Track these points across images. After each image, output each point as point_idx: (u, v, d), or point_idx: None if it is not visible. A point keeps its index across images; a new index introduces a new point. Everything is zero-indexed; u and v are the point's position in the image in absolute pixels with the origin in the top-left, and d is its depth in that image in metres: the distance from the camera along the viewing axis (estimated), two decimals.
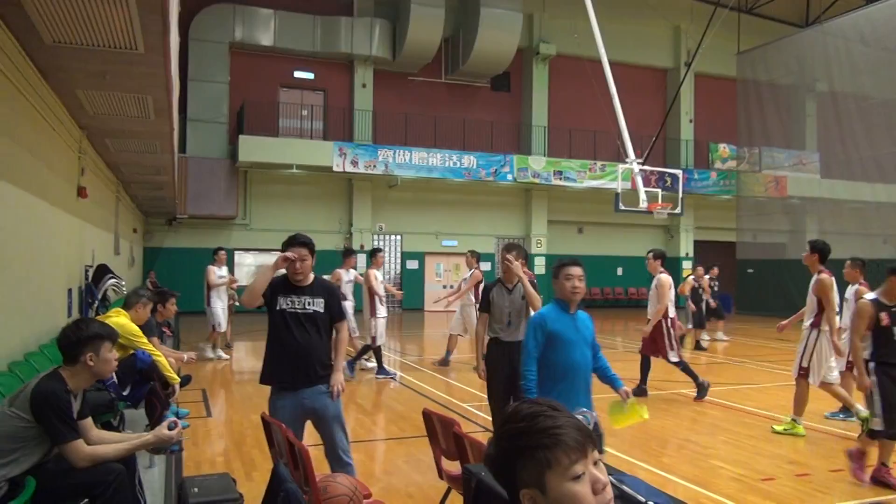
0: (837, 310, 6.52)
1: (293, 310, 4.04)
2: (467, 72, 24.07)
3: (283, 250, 4.03)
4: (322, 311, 4.09)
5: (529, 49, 24.94)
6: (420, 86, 24.53)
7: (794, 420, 6.55)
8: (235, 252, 22.59)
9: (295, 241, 4.03)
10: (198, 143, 21.74)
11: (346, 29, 22.67)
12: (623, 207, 18.39)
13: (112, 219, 12.65)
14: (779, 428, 6.62)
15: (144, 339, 5.91)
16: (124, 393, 5.57)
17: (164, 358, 6.04)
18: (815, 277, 6.44)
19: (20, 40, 4.77)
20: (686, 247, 27.24)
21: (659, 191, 19.84)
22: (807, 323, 6.49)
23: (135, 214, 18.95)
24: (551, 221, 26.02)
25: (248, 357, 13.77)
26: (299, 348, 3.98)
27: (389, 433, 6.72)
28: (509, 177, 23.51)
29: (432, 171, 22.71)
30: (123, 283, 9.40)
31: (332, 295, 4.17)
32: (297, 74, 22.93)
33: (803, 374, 6.48)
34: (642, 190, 18.34)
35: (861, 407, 5.57)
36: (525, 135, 25.71)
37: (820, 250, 6.47)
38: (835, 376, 6.53)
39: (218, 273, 11.34)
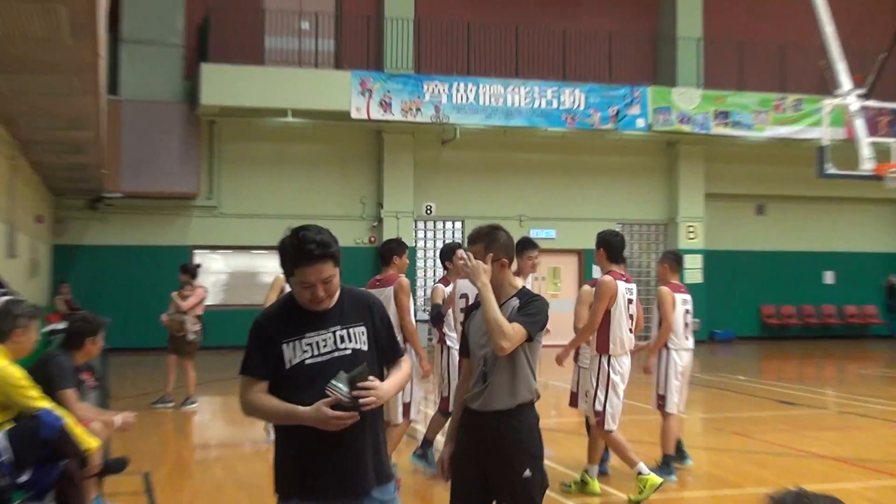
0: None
1: (315, 358, 4.04)
2: None
3: (288, 269, 3.99)
4: (365, 346, 4.11)
5: None
6: None
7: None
8: (195, 251, 23.29)
9: (306, 254, 3.93)
10: (137, 80, 22.16)
11: None
12: (832, 170, 18.11)
13: (3, 200, 12.95)
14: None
15: (33, 391, 6.01)
16: (23, 478, 5.67)
17: (74, 419, 6.15)
18: (598, 279, 8.42)
19: None
20: None
21: (893, 141, 19.42)
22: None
23: (40, 193, 19.42)
24: (712, 195, 26.08)
25: (215, 418, 14.02)
26: (337, 431, 3.92)
27: None
28: (640, 123, 23.51)
29: (512, 115, 22.82)
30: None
31: (375, 311, 4.21)
32: None
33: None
34: (865, 140, 18.05)
35: None
36: (666, 54, 25.59)
37: (607, 244, 8.33)
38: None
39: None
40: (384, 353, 4.17)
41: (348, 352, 4.03)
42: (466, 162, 24.68)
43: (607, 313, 8.23)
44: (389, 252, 9.10)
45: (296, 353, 3.99)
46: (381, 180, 24.24)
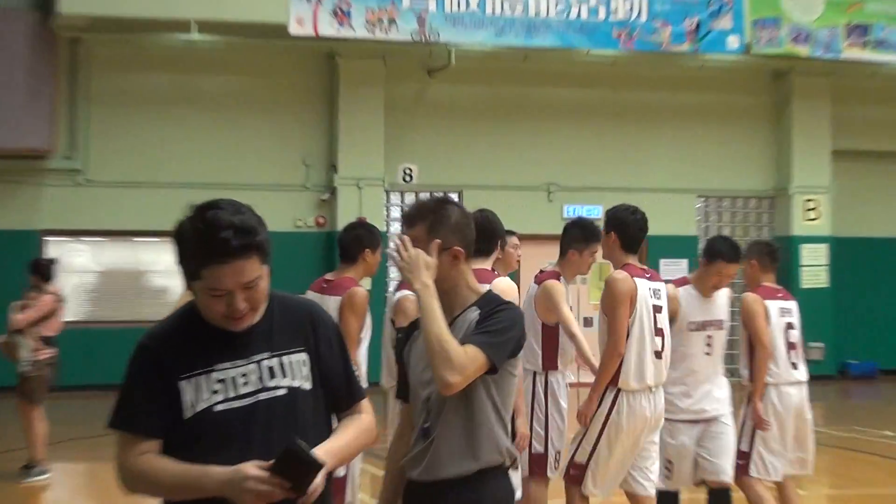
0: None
1: (230, 403, 4.03)
2: None
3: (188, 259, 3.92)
4: (307, 384, 4.15)
5: None
6: None
7: None
8: (48, 238, 23.47)
9: (219, 247, 3.86)
10: None
11: None
12: None
13: None
14: None
15: None
16: None
17: None
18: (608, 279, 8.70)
19: None
20: None
21: None
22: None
23: None
24: (843, 154, 26.29)
25: (77, 496, 14.13)
26: None
27: None
28: (732, 43, 23.56)
29: (536, 31, 22.85)
30: None
31: (322, 330, 4.26)
32: None
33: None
34: None
35: None
36: None
37: (620, 225, 8.66)
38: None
39: None
40: (337, 395, 4.22)
41: (281, 392, 4.05)
42: (465, 102, 24.86)
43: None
44: (357, 242, 9.06)
45: (200, 393, 3.99)
46: (334, 130, 24.41)
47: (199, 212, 3.87)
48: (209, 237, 3.79)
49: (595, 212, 24.29)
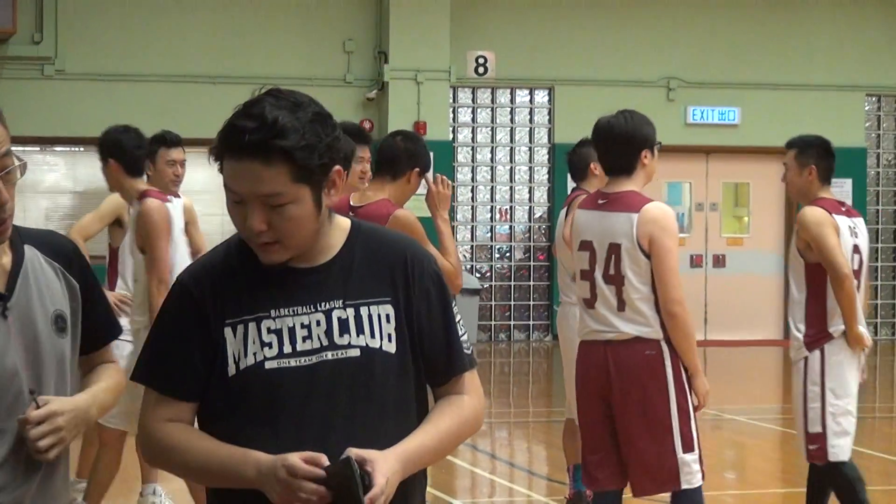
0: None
1: (284, 360, 3.79)
2: None
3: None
4: (390, 345, 3.87)
5: None
6: None
7: None
8: (16, 148, 22.20)
9: (230, 136, 3.68)
10: None
11: None
12: None
13: None
14: None
15: None
16: None
17: None
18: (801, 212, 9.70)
19: None
20: None
21: None
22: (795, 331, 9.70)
23: None
24: None
25: None
26: None
27: None
28: None
29: None
30: None
31: (416, 275, 4.00)
32: None
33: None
34: None
35: None
36: None
37: (822, 150, 9.41)
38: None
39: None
40: (432, 366, 3.90)
41: (353, 353, 3.86)
42: None
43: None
44: (404, 156, 9.35)
45: (248, 345, 3.82)
46: (384, 5, 23.97)
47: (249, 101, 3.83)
48: (228, 123, 3.66)
49: (730, 115, 24.79)
